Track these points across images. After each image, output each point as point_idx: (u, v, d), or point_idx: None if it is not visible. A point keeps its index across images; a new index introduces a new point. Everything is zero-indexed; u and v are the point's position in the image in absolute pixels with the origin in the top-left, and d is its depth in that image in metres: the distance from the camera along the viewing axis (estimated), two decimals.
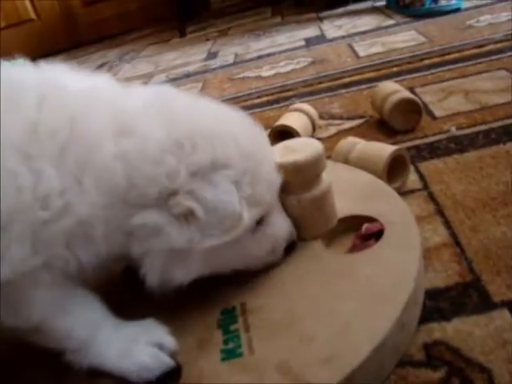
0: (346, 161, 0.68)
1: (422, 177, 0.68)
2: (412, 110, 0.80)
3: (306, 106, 0.88)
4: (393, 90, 0.83)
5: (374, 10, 1.82)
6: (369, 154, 0.65)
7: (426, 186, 0.65)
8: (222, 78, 1.45)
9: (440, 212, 0.60)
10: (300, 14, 2.09)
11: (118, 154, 0.40)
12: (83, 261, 0.40)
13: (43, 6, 2.90)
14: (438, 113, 0.85)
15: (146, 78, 1.68)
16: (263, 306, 0.46)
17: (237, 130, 0.46)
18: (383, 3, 1.83)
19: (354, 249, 0.52)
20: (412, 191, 0.65)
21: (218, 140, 0.43)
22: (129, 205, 0.41)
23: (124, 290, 0.50)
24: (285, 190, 0.51)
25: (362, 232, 0.52)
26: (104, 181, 0.39)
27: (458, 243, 0.54)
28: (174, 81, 1.55)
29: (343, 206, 0.55)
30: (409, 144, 0.77)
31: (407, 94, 0.81)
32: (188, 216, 0.41)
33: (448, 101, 0.89)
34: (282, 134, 0.81)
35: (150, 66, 1.88)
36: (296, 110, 0.87)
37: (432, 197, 0.63)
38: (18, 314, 0.40)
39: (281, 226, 0.50)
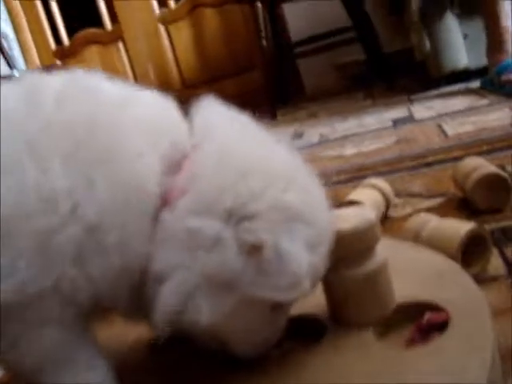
0: (416, 239, 0.60)
1: (507, 262, 0.58)
2: (499, 187, 0.71)
3: (379, 182, 0.81)
4: (477, 165, 0.75)
5: (468, 91, 1.74)
6: (442, 231, 0.57)
7: (511, 273, 0.56)
8: (303, 157, 1.42)
9: None
10: (391, 97, 2.06)
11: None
12: (95, 278, 0.35)
13: (142, 82, 3.10)
14: None
15: None
16: None
17: (319, 194, 0.41)
18: (478, 85, 1.75)
19: (411, 342, 0.43)
20: (494, 279, 0.56)
21: (309, 196, 0.39)
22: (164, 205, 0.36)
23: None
24: (334, 265, 0.45)
25: (423, 323, 0.44)
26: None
27: None
28: None
29: (403, 290, 0.47)
30: (494, 226, 0.67)
31: (493, 169, 0.73)
32: (252, 250, 0.36)
33: None
34: None
35: None
36: (368, 185, 0.81)
37: None
38: (14, 350, 0.35)
39: (283, 320, 0.43)
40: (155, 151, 0.37)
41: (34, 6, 3.34)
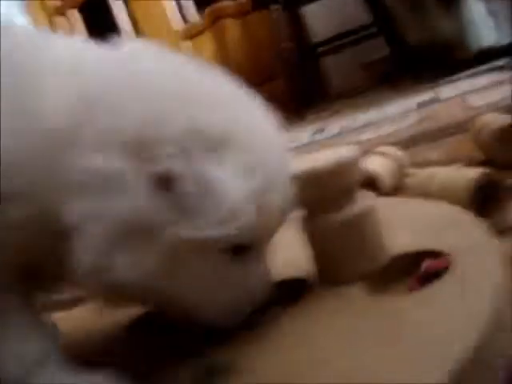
0: (425, 195, 0.53)
1: None
2: None
3: (391, 149, 0.74)
4: (492, 119, 0.67)
5: (496, 69, 1.64)
6: (451, 180, 0.50)
7: None
8: (321, 147, 1.36)
9: None
10: (417, 86, 1.97)
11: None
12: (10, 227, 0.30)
13: None
14: None
15: None
16: (257, 367, 0.32)
17: (260, 116, 0.35)
18: (507, 61, 1.65)
19: (410, 293, 0.36)
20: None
21: (242, 119, 0.33)
22: (71, 143, 0.30)
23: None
24: (307, 213, 0.39)
25: (422, 271, 0.37)
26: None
27: None
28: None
29: (405, 241, 0.41)
30: None
31: (509, 120, 0.65)
32: (167, 183, 0.30)
33: None
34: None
35: None
36: (379, 153, 0.74)
37: None
38: None
39: (261, 277, 0.36)
40: (66, 89, 0.31)
41: None
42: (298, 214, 0.40)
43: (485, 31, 1.77)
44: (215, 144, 0.31)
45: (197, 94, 0.33)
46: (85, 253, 0.30)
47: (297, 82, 2.40)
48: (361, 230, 0.38)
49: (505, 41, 1.71)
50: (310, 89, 2.86)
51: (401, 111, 1.47)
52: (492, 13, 1.77)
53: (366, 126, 1.45)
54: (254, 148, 0.32)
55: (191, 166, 0.30)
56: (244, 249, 0.34)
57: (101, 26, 3.30)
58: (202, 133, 0.31)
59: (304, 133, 1.79)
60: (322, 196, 0.37)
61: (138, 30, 3.36)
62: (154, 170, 0.29)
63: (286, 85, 2.34)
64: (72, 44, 0.36)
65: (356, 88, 2.82)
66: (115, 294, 0.32)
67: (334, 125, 1.72)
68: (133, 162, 0.29)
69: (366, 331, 0.32)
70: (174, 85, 0.33)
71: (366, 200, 0.39)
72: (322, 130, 1.70)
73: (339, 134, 1.49)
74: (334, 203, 0.37)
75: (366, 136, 1.27)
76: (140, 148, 0.30)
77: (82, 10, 3.30)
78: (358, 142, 1.22)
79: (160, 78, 0.33)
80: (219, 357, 0.34)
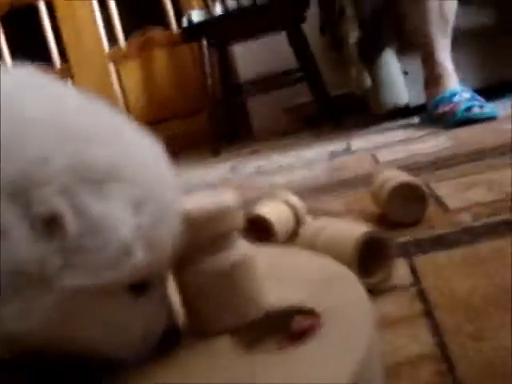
0: (312, 247, 0.52)
1: (413, 271, 0.50)
2: (414, 197, 0.64)
3: (288, 196, 0.73)
4: (391, 176, 0.68)
5: (407, 126, 1.71)
6: (338, 236, 0.49)
7: (416, 282, 0.48)
8: (231, 186, 1.35)
9: (428, 313, 0.41)
10: (335, 134, 2.02)
11: None
12: None
13: None
14: (452, 204, 0.69)
15: None
16: None
17: (148, 151, 0.33)
18: (417, 121, 1.73)
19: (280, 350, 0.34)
20: (396, 288, 0.47)
21: (126, 152, 0.31)
22: None
23: None
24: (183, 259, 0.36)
25: (293, 329, 0.35)
26: None
27: (445, 356, 0.35)
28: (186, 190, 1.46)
29: (280, 296, 0.38)
30: (408, 238, 0.60)
31: (405, 178, 0.66)
32: (50, 225, 0.27)
33: (468, 193, 0.73)
34: (253, 225, 0.66)
35: None
36: (276, 199, 0.72)
37: (422, 294, 0.45)
38: None
39: (161, 307, 0.34)
40: None
41: None
42: None
43: (399, 90, 1.85)
44: (99, 179, 0.29)
45: (81, 130, 0.30)
46: None
47: (219, 119, 2.40)
48: (232, 280, 0.35)
49: (417, 100, 1.80)
50: (232, 127, 2.87)
51: (315, 158, 1.50)
52: (407, 72, 1.86)
53: (280, 168, 1.46)
54: (140, 182, 0.30)
55: (74, 204, 0.27)
56: (140, 286, 0.32)
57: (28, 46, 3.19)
58: (85, 168, 0.28)
59: (217, 170, 1.77)
60: (195, 242, 0.35)
61: (64, 50, 3.27)
62: (36, 213, 0.27)
63: (208, 120, 2.33)
64: None
65: (277, 130, 2.87)
66: (11, 344, 0.29)
67: (250, 164, 1.72)
68: (16, 208, 0.27)
69: None
70: (57, 121, 0.30)
71: (240, 250, 0.36)
72: (235, 169, 1.69)
73: (253, 173, 1.49)
74: (206, 251, 0.35)
75: (278, 179, 1.27)
76: (22, 190, 0.27)
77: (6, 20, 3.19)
78: (270, 185, 1.22)
79: (42, 116, 0.30)
80: None
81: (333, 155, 1.47)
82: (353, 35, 1.68)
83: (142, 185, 0.30)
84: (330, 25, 1.88)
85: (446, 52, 1.56)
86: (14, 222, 0.27)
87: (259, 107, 2.98)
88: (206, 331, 0.36)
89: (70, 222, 0.27)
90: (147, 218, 0.30)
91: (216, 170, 1.75)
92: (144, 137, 0.34)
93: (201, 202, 0.36)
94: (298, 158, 1.58)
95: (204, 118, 2.62)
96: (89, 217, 0.28)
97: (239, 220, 0.37)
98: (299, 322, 0.35)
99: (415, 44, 1.62)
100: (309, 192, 1.00)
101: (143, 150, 0.33)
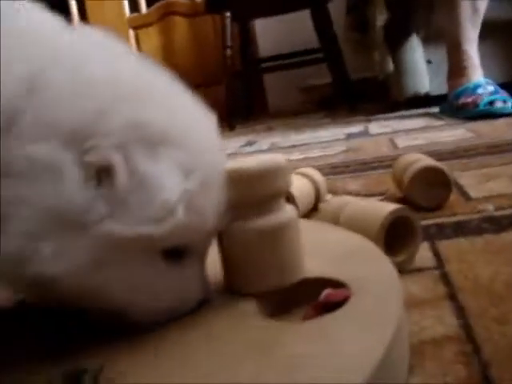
0: (335, 222, 0.52)
1: (437, 254, 0.50)
2: (438, 182, 0.64)
3: (311, 171, 0.73)
4: (415, 159, 0.68)
5: (427, 115, 1.70)
6: (363, 213, 0.49)
7: (440, 265, 0.48)
8: None
9: (452, 296, 0.41)
10: (351, 117, 2.01)
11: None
12: None
13: None
14: (474, 194, 0.69)
15: None
16: (126, 373, 0.29)
17: (199, 116, 0.34)
18: (437, 110, 1.71)
19: (304, 320, 0.34)
20: (420, 269, 0.47)
21: (180, 117, 0.32)
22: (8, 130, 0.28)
23: None
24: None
25: (321, 300, 0.35)
26: None
27: (470, 338, 0.35)
28: None
29: (309, 268, 0.38)
30: (430, 222, 0.60)
31: (432, 163, 0.66)
32: (103, 175, 0.28)
33: (490, 184, 0.72)
34: None
35: None
36: (299, 173, 0.72)
37: (445, 277, 0.45)
38: None
39: (198, 278, 0.35)
40: (9, 70, 0.29)
41: None
42: None
43: (421, 78, 1.83)
44: (153, 141, 0.30)
45: (138, 90, 0.31)
46: (8, 237, 0.28)
47: (235, 92, 2.38)
48: (278, 242, 0.35)
49: (439, 90, 1.78)
50: (248, 101, 2.86)
51: (331, 138, 1.49)
52: (430, 61, 1.84)
53: (295, 146, 1.45)
54: (191, 148, 0.31)
55: (128, 160, 0.29)
56: (179, 253, 0.33)
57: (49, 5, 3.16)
58: (142, 128, 0.29)
59: (233, 143, 1.77)
60: (245, 199, 0.34)
61: (85, 12, 3.24)
62: (91, 161, 0.28)
63: (225, 92, 2.32)
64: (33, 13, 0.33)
65: (292, 109, 2.86)
66: (38, 288, 0.30)
67: (265, 140, 1.72)
68: (71, 153, 0.28)
69: (246, 355, 0.29)
70: (117, 80, 0.31)
71: (288, 213, 0.36)
72: (251, 144, 1.69)
73: (268, 150, 1.48)
74: (256, 209, 0.35)
75: (293, 156, 1.26)
76: (79, 139, 0.28)
77: None
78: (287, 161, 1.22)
79: (104, 72, 0.31)
80: (90, 360, 0.30)
81: (349, 137, 1.46)
82: (380, 18, 1.66)
83: (192, 151, 0.31)
84: (357, 5, 1.85)
85: (474, 44, 1.54)
86: (68, 164, 0.28)
87: (276, 84, 2.96)
88: (241, 291, 0.36)
89: (121, 175, 0.28)
90: (195, 184, 0.31)
91: (232, 144, 1.74)
92: (194, 102, 0.34)
93: (255, 160, 0.35)
94: (313, 138, 1.57)
95: (220, 90, 2.61)
96: (139, 174, 0.29)
97: (289, 182, 0.37)
98: (328, 294, 0.35)
99: (443, 33, 1.60)
100: (326, 171, 1.00)
101: (193, 115, 0.34)
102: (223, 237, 0.36)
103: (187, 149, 0.31)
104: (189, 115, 0.33)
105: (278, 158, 0.36)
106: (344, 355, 0.27)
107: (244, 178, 0.34)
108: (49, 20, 0.34)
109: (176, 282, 0.33)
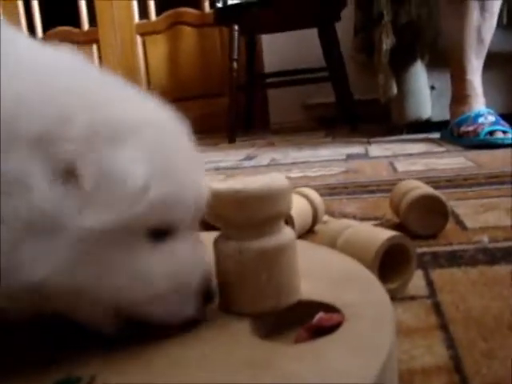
0: (333, 246, 0.52)
1: (430, 283, 0.50)
2: (435, 211, 0.64)
3: (309, 191, 0.73)
4: (414, 186, 0.68)
5: (427, 140, 1.71)
6: (360, 238, 0.50)
7: (432, 294, 0.48)
8: (247, 174, 1.35)
9: (443, 327, 0.42)
10: (351, 138, 2.02)
11: None
12: None
13: None
14: (470, 224, 0.69)
15: None
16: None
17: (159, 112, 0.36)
18: (438, 136, 1.73)
19: (295, 342, 0.35)
20: (412, 298, 0.48)
21: (135, 103, 0.34)
22: None
23: None
24: (224, 234, 0.37)
25: (314, 323, 0.35)
26: None
27: (459, 369, 0.36)
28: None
29: (304, 290, 0.39)
30: (425, 250, 0.60)
31: (430, 191, 0.66)
32: (68, 177, 0.29)
33: (486, 214, 0.73)
34: None
35: None
36: (297, 193, 0.73)
37: (437, 307, 0.45)
38: None
39: (195, 255, 0.35)
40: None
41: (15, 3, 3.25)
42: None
43: (424, 103, 1.85)
44: (115, 135, 0.30)
45: (99, 95, 0.32)
46: None
47: (238, 105, 2.39)
48: (278, 262, 0.36)
49: (440, 116, 1.80)
50: (250, 115, 2.87)
51: (331, 158, 1.50)
52: (433, 87, 1.86)
53: (295, 163, 1.46)
54: (151, 134, 0.32)
55: (92, 153, 0.29)
56: (164, 232, 0.33)
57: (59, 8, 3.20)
58: (102, 126, 0.30)
59: (232, 156, 1.78)
60: (248, 220, 0.35)
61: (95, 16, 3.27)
62: (56, 166, 0.29)
63: (228, 105, 2.33)
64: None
65: (293, 126, 2.87)
66: (30, 297, 0.30)
67: (265, 155, 1.72)
68: (38, 160, 0.28)
69: (239, 374, 0.29)
70: (79, 88, 0.32)
71: (287, 235, 0.37)
72: (251, 158, 1.69)
73: (268, 165, 1.49)
74: (256, 230, 0.35)
75: (292, 174, 1.27)
76: (44, 145, 0.29)
77: None
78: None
79: (67, 82, 0.32)
80: (82, 369, 0.31)
81: (349, 157, 1.47)
82: (387, 41, 1.67)
83: (151, 136, 0.32)
84: (365, 27, 1.87)
85: (478, 73, 1.56)
86: (35, 172, 0.28)
87: (279, 100, 2.97)
88: (237, 311, 0.36)
89: (86, 169, 0.29)
90: (161, 163, 0.31)
91: (231, 157, 1.75)
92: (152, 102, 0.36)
93: (259, 182, 0.36)
94: (313, 156, 1.58)
95: (222, 103, 2.62)
96: (104, 163, 0.29)
97: (291, 204, 0.37)
98: (321, 318, 0.35)
99: (448, 60, 1.62)
100: (323, 191, 1.01)
101: (156, 111, 0.35)
102: (220, 256, 0.36)
103: (153, 139, 0.32)
104: (150, 111, 0.34)
105: (281, 180, 0.36)
106: (336, 377, 0.27)
107: (247, 200, 0.34)
108: (19, 38, 0.35)
109: (166, 262, 0.33)
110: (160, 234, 0.32)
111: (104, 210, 0.29)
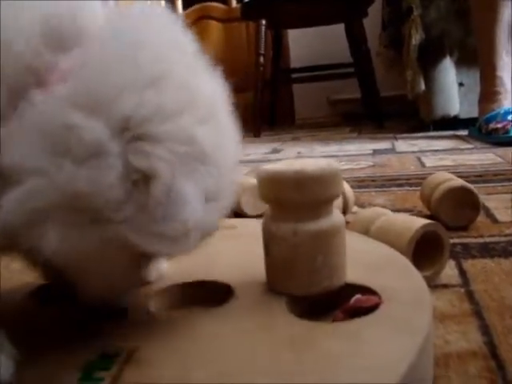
0: (366, 233, 0.52)
1: (463, 273, 0.50)
2: (466, 203, 0.64)
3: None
4: (445, 178, 0.68)
5: (455, 137, 1.70)
6: (394, 225, 0.50)
7: (465, 283, 0.48)
8: None
9: (478, 314, 0.42)
10: (377, 134, 2.01)
11: None
12: None
13: None
14: (501, 218, 0.69)
15: None
16: (155, 359, 0.30)
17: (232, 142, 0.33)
18: (466, 133, 1.71)
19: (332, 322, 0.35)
20: (445, 286, 0.48)
21: (221, 139, 0.31)
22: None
23: None
24: (276, 215, 0.37)
25: (351, 304, 0.36)
26: None
27: (495, 355, 0.36)
28: None
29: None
30: (456, 241, 0.60)
31: (462, 183, 0.66)
32: (141, 180, 0.27)
33: None
34: None
35: None
36: None
37: (471, 295, 0.45)
38: None
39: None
40: (35, 19, 0.29)
41: None
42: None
43: (452, 100, 1.83)
44: (195, 158, 0.29)
45: (197, 95, 0.30)
46: (14, 206, 0.26)
47: (264, 100, 2.39)
48: (332, 244, 0.36)
49: (468, 114, 1.78)
50: (275, 110, 2.87)
51: (357, 153, 1.50)
52: (462, 84, 1.84)
53: (321, 157, 1.46)
54: (219, 173, 0.30)
55: (172, 175, 0.27)
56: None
57: None
58: (191, 145, 0.28)
59: (258, 150, 1.78)
60: (305, 201, 0.35)
61: None
62: (137, 164, 0.27)
63: (254, 99, 2.33)
64: None
65: (319, 121, 2.87)
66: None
67: (291, 149, 1.73)
68: (118, 143, 0.27)
69: (277, 352, 0.30)
70: (179, 74, 0.30)
71: (338, 218, 0.37)
72: (277, 151, 1.70)
73: (295, 158, 1.49)
74: (310, 212, 0.36)
75: None
76: (128, 130, 0.27)
77: None
78: None
79: (164, 57, 0.30)
80: (117, 342, 0.32)
81: (376, 153, 1.47)
82: (416, 37, 1.66)
83: (219, 177, 0.30)
84: (394, 22, 1.85)
85: (508, 70, 1.54)
86: (114, 155, 0.26)
87: (304, 95, 2.97)
88: (289, 292, 0.37)
89: (160, 188, 0.27)
90: (212, 212, 0.30)
91: (257, 150, 1.76)
92: (230, 119, 0.34)
93: (312, 164, 0.36)
94: (339, 151, 1.58)
95: (248, 97, 2.63)
96: (174, 188, 0.27)
97: (342, 188, 0.37)
98: (358, 299, 0.36)
99: (477, 56, 1.60)
100: (352, 184, 1.01)
101: (230, 137, 0.33)
102: (272, 239, 0.37)
103: (217, 174, 0.30)
104: (226, 137, 0.32)
105: (334, 163, 0.37)
106: (376, 356, 0.28)
107: (306, 181, 0.34)
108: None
109: (136, 271, 0.33)
110: None
111: (149, 235, 0.28)
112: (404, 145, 1.60)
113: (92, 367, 0.29)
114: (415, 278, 0.39)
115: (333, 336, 0.31)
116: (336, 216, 0.37)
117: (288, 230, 0.36)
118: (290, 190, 0.35)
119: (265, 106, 2.53)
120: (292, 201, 0.36)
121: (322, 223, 0.36)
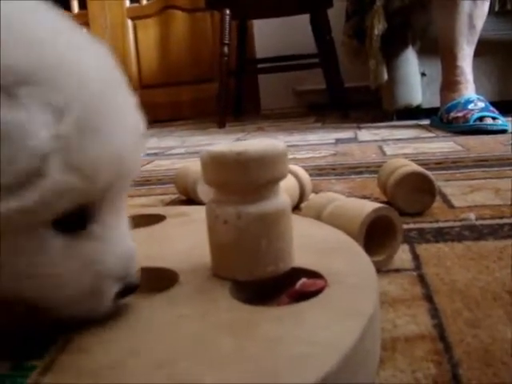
0: (318, 218, 0.51)
1: (416, 257, 0.50)
2: (422, 189, 0.64)
3: (297, 169, 0.73)
4: (401, 164, 0.68)
5: (417, 126, 1.71)
6: (346, 209, 0.49)
7: (418, 267, 0.47)
8: None
9: (428, 297, 0.41)
10: (341, 124, 2.01)
11: None
12: None
13: None
14: (457, 203, 0.69)
15: (165, 150, 1.59)
16: (90, 347, 0.28)
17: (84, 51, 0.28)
18: (428, 122, 1.72)
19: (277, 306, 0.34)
20: (397, 270, 0.47)
21: (52, 55, 0.26)
22: None
23: None
24: (220, 199, 0.35)
25: (296, 288, 0.35)
26: None
27: (443, 337, 0.35)
28: (191, 154, 1.45)
29: None
30: (411, 226, 0.60)
31: (417, 168, 0.66)
32: None
33: (473, 195, 0.73)
34: None
35: (175, 142, 1.82)
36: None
37: (422, 279, 0.45)
38: None
39: (115, 243, 0.30)
40: None
41: None
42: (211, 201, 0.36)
43: (414, 89, 1.84)
44: (12, 82, 0.24)
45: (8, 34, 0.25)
46: None
47: (229, 90, 2.37)
48: (277, 227, 0.35)
49: (430, 103, 1.79)
50: (240, 101, 2.85)
51: (320, 142, 1.49)
52: (424, 74, 1.85)
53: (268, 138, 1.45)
54: (66, 87, 0.25)
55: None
56: (78, 219, 0.27)
57: None
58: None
59: (222, 140, 1.77)
60: (249, 183, 0.34)
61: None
62: None
63: (218, 90, 2.31)
64: None
65: (284, 111, 2.86)
66: None
67: (254, 139, 1.71)
68: None
69: (216, 338, 0.29)
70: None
71: (285, 199, 0.36)
72: (242, 141, 1.68)
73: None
74: (254, 194, 0.34)
75: None
76: None
77: None
78: None
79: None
80: (52, 331, 0.30)
81: (338, 142, 1.46)
82: (379, 27, 1.66)
83: (63, 87, 0.25)
84: (357, 12, 1.85)
85: (469, 60, 1.55)
86: None
87: (269, 85, 2.96)
88: (232, 277, 0.35)
89: None
90: (70, 127, 0.25)
91: (221, 141, 1.74)
92: (98, 49, 0.30)
93: (256, 145, 0.35)
94: (303, 140, 1.57)
95: (213, 88, 2.60)
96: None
97: (287, 169, 0.36)
98: (304, 283, 0.35)
99: (439, 47, 1.61)
100: (312, 172, 1.00)
101: (83, 57, 0.28)
102: (215, 222, 0.35)
103: (58, 88, 0.25)
104: (71, 56, 0.27)
105: (279, 143, 0.36)
106: (317, 339, 0.27)
107: (248, 162, 0.33)
108: None
109: (84, 255, 0.28)
110: (71, 221, 0.27)
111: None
112: (367, 134, 1.60)
113: (23, 356, 0.27)
114: (363, 262, 0.38)
115: (274, 320, 0.30)
116: (282, 199, 0.36)
117: (232, 212, 0.35)
118: (232, 172, 0.34)
119: (230, 97, 2.51)
120: (235, 183, 0.34)
121: (267, 206, 0.35)
